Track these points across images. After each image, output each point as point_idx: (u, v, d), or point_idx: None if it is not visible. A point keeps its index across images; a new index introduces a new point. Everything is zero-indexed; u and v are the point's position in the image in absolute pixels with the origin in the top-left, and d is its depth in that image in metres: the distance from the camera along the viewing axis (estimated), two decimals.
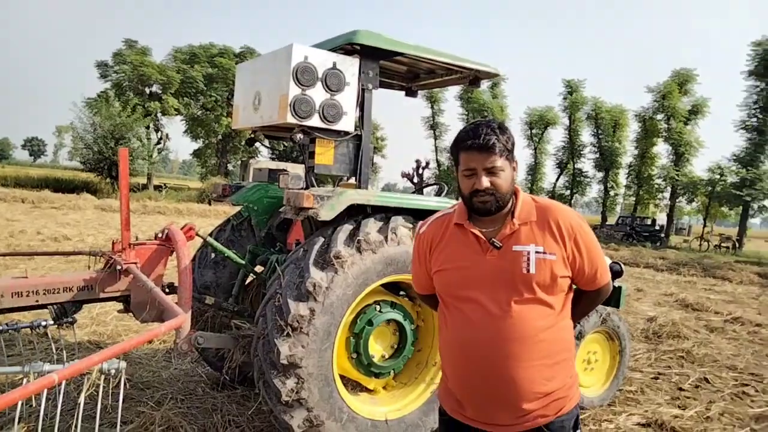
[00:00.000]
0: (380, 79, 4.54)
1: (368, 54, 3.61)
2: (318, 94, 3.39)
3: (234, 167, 46.55)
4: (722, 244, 30.90)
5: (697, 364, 6.46)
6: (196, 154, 45.06)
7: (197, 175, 52.08)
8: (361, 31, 3.46)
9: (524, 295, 1.72)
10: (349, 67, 3.49)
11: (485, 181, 1.73)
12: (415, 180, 4.90)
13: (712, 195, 31.95)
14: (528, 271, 1.73)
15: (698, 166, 40.36)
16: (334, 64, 3.42)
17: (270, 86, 3.49)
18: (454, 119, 47.71)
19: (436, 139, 45.38)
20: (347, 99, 3.52)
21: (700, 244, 31.81)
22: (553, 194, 42.00)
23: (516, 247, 1.76)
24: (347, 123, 3.55)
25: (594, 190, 41.13)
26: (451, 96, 46.11)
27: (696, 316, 9.63)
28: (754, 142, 30.01)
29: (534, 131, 41.80)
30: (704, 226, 36.01)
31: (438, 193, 4.74)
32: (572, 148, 40.22)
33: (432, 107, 44.63)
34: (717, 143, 36.07)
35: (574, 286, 1.90)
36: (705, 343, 7.48)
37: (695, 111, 34.44)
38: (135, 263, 3.27)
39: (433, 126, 45.13)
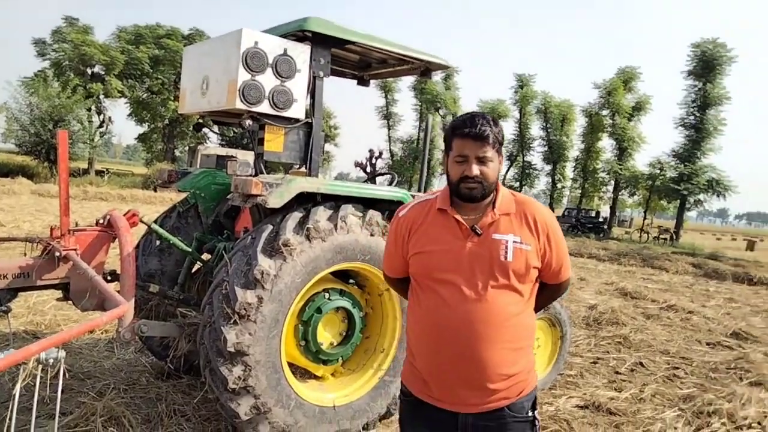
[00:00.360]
0: (332, 67, 4.53)
1: (320, 41, 3.58)
2: (268, 81, 3.34)
3: (181, 153, 45.25)
4: (660, 236, 32.34)
5: (634, 349, 6.79)
6: (142, 138, 43.47)
7: (142, 161, 50.37)
8: (312, 18, 3.43)
9: (500, 281, 1.81)
10: (300, 53, 3.47)
11: (475, 169, 1.81)
12: (369, 169, 4.92)
13: (652, 189, 33.34)
14: (506, 258, 1.81)
15: (640, 161, 41.97)
16: (285, 50, 3.39)
17: (218, 71, 3.42)
18: (407, 110, 47.92)
19: (389, 129, 45.49)
20: (298, 86, 3.49)
21: (641, 236, 33.20)
22: (502, 185, 42.79)
23: (495, 236, 1.84)
24: (298, 110, 3.52)
25: (542, 183, 42.29)
26: (404, 86, 46.27)
27: (634, 303, 10.08)
28: (691, 138, 31.43)
29: None
30: (644, 218, 37.60)
31: (390, 183, 4.77)
32: (522, 141, 41.12)
33: (386, 97, 44.69)
34: (658, 139, 37.69)
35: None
36: (641, 329, 7.86)
37: (638, 108, 35.81)
38: (75, 250, 3.17)
39: (387, 116, 45.21)
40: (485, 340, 1.78)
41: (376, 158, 4.94)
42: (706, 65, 30.42)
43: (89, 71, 37.42)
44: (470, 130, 1.80)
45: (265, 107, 3.36)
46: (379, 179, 4.97)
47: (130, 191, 26.94)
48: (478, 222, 1.87)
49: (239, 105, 3.25)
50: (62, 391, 3.85)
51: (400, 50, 3.94)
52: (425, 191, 5.13)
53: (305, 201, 3.40)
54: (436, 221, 1.91)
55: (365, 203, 3.49)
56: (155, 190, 27.01)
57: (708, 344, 7.44)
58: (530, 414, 1.91)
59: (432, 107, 42.79)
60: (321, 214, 3.24)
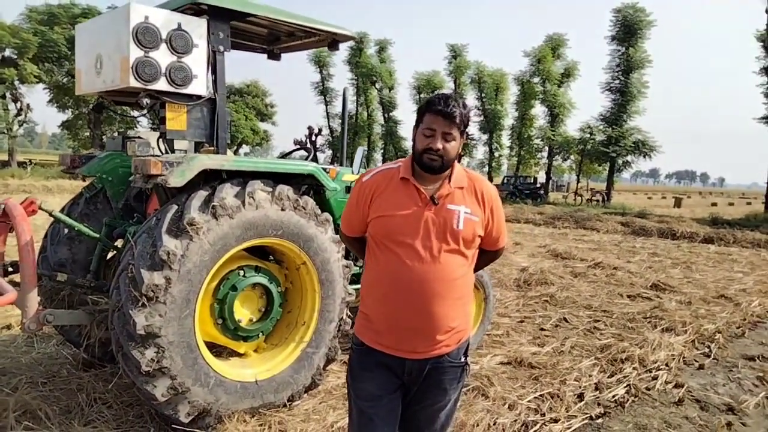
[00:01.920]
0: (239, 41, 4.45)
1: (216, 15, 3.49)
2: (163, 57, 3.25)
3: (109, 139, 43.29)
4: (593, 198, 33.73)
5: (559, 306, 7.13)
6: (66, 126, 41.25)
7: (69, 150, 47.90)
8: None
9: (451, 246, 2.05)
10: (196, 28, 3.37)
11: (439, 143, 2.01)
12: (308, 147, 4.88)
13: (583, 153, 34.52)
14: (457, 227, 2.05)
15: (571, 126, 43.32)
16: (179, 24, 3.29)
17: (110, 48, 3.29)
18: (343, 83, 47.46)
19: (327, 104, 45.01)
20: (196, 61, 3.40)
21: (575, 199, 34.51)
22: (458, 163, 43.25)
23: (450, 206, 2.07)
24: (198, 86, 3.44)
25: (480, 152, 43.02)
26: (339, 61, 45.76)
27: (564, 264, 10.53)
28: (617, 102, 32.61)
29: (422, 96, 42.62)
30: (578, 182, 39.04)
31: (306, 158, 4.75)
32: None
33: (321, 72, 44.08)
34: (586, 104, 38.94)
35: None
36: (568, 287, 8.24)
37: (567, 74, 36.76)
38: None
39: (323, 92, 44.68)
40: (438, 296, 2.02)
41: (316, 135, 4.92)
42: (628, 30, 31.45)
43: (0, 56, 34.97)
44: (443, 108, 2.00)
45: (162, 84, 3.27)
46: (296, 154, 4.94)
47: (56, 182, 25.69)
48: (436, 193, 2.08)
49: (133, 83, 3.15)
50: None
51: (304, 22, 3.90)
52: (351, 164, 5.16)
53: (214, 179, 3.36)
54: (399, 189, 2.10)
55: (274, 178, 3.48)
56: (84, 179, 25.79)
57: (629, 297, 7.89)
58: (462, 359, 2.18)
59: (368, 81, 42.56)
60: (227, 191, 3.21)
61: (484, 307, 5.23)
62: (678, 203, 38.15)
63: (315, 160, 4.90)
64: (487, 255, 2.33)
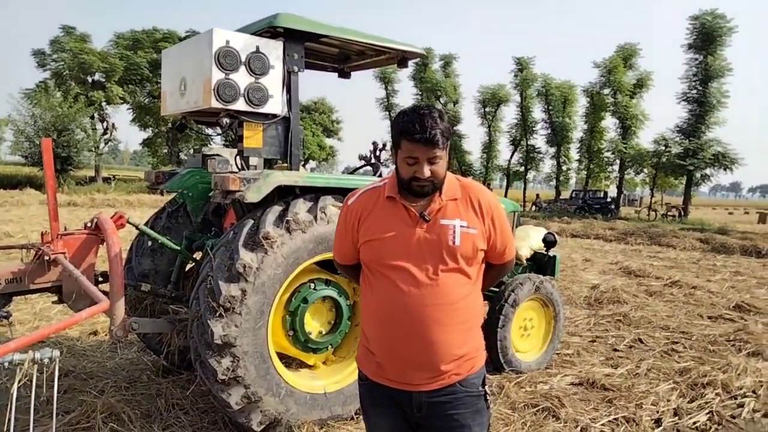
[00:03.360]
0: (312, 62, 4.60)
1: (292, 37, 3.64)
2: (242, 78, 3.42)
3: (186, 156, 45.58)
4: (668, 213, 32.19)
5: (633, 326, 6.82)
6: (146, 143, 43.85)
7: (149, 165, 50.74)
8: (282, 14, 3.49)
9: (449, 265, 1.87)
10: (273, 50, 3.53)
11: (427, 171, 1.82)
12: (373, 162, 4.97)
13: (658, 166, 33.09)
14: (454, 243, 1.87)
15: (644, 139, 41.60)
16: (257, 47, 3.45)
17: (194, 71, 3.50)
18: (408, 99, 47.84)
19: (391, 120, 45.45)
20: (272, 82, 3.56)
21: (648, 214, 33.05)
22: (508, 170, 42.76)
23: (443, 221, 1.89)
24: (274, 106, 3.59)
25: (547, 166, 42.12)
26: (404, 77, 46.18)
27: (638, 281, 10.09)
28: (695, 113, 31.15)
29: (487, 109, 42.32)
30: (651, 196, 37.42)
31: (375, 173, 4.82)
32: (525, 125, 40.94)
33: (386, 88, 44.63)
34: (661, 115, 37.32)
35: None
36: (642, 306, 7.88)
37: (640, 84, 35.48)
38: (63, 253, 3.26)
39: (388, 107, 45.16)
40: (437, 322, 1.85)
41: (380, 150, 4.98)
42: (706, 37, 30.06)
43: (90, 79, 37.70)
44: (421, 135, 1.78)
45: (240, 105, 3.44)
46: (366, 169, 5.02)
47: (137, 196, 27.21)
48: (426, 208, 1.91)
49: (215, 104, 3.33)
50: (64, 392, 4.02)
51: (375, 41, 3.99)
52: None
53: (287, 195, 3.47)
54: (386, 208, 1.94)
55: (345, 194, 3.55)
56: (162, 194, 27.24)
57: (709, 318, 7.45)
58: (480, 389, 1.98)
59: (432, 95, 42.67)
60: (300, 206, 3.32)
61: (553, 324, 5.11)
62: (763, 219, 35.68)
63: (379, 174, 4.96)
64: (495, 269, 2.11)
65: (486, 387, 2.01)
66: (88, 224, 3.51)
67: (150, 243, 4.21)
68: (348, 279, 2.32)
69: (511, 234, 2.08)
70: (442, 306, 1.85)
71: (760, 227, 28.03)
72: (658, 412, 4.17)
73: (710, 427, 3.98)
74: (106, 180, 36.74)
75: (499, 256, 2.05)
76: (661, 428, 3.92)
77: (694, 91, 31.11)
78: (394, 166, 1.95)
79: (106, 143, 40.14)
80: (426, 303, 1.85)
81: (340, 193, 3.56)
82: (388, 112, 45.22)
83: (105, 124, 38.93)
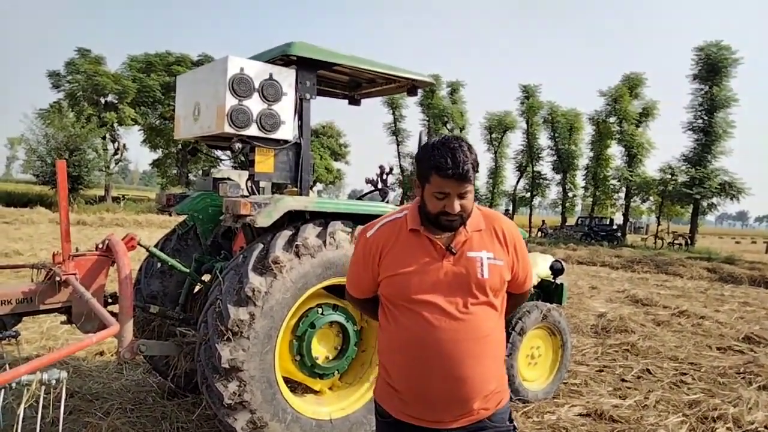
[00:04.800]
0: (323, 88, 4.68)
1: (305, 65, 3.71)
2: (255, 105, 3.48)
3: (195, 177, 45.92)
4: (675, 241, 32.02)
5: (641, 356, 6.75)
6: (156, 164, 44.29)
7: (158, 186, 51.13)
8: (296, 42, 3.57)
9: (479, 298, 1.83)
10: (286, 77, 3.60)
11: (457, 206, 1.78)
12: (380, 186, 5.00)
13: (664, 194, 33.05)
14: (482, 275, 1.83)
15: (650, 167, 41.45)
16: (271, 75, 3.52)
17: (208, 97, 3.57)
18: (415, 125, 48.25)
19: (398, 144, 45.75)
20: (285, 108, 3.62)
21: (655, 242, 32.89)
22: (514, 197, 42.82)
23: (470, 254, 1.85)
24: (285, 132, 3.64)
25: (553, 192, 42.14)
26: (411, 102, 46.64)
27: (645, 310, 10.00)
28: (701, 142, 31.19)
29: (494, 135, 42.57)
30: (658, 224, 37.26)
31: (382, 199, 4.86)
32: (531, 152, 41.13)
33: (393, 113, 45.03)
34: (667, 144, 37.38)
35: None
36: (650, 336, 7.80)
37: (645, 113, 35.64)
38: (74, 274, 3.29)
39: (395, 132, 45.52)
40: (472, 357, 1.80)
41: (387, 174, 5.01)
42: (712, 68, 30.26)
43: (102, 100, 38.30)
44: (454, 171, 1.73)
45: (253, 130, 3.49)
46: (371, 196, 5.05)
47: (145, 216, 27.37)
48: (452, 241, 1.86)
49: (228, 129, 3.38)
50: (70, 413, 4.01)
51: (386, 70, 4.06)
52: None
53: (296, 219, 3.50)
54: (409, 241, 1.88)
55: (354, 219, 3.58)
56: (171, 215, 27.39)
57: (718, 349, 7.36)
58: (509, 424, 1.94)
59: (439, 121, 43.00)
60: (310, 231, 3.34)
61: (561, 353, 5.07)
62: None
63: (386, 199, 4.99)
64: (514, 299, 2.06)
65: (513, 422, 1.97)
66: (100, 245, 3.54)
67: (159, 265, 4.23)
68: (363, 312, 2.24)
69: (530, 264, 2.06)
70: (476, 340, 1.81)
71: None
72: None
73: None
74: (116, 200, 37.04)
75: (519, 286, 2.03)
76: None
77: (700, 121, 31.20)
78: (417, 198, 1.90)
79: (116, 163, 40.58)
80: (459, 338, 1.79)
81: (350, 218, 3.59)
82: (395, 137, 45.54)
83: (116, 144, 39.42)
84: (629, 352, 6.89)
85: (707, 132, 30.75)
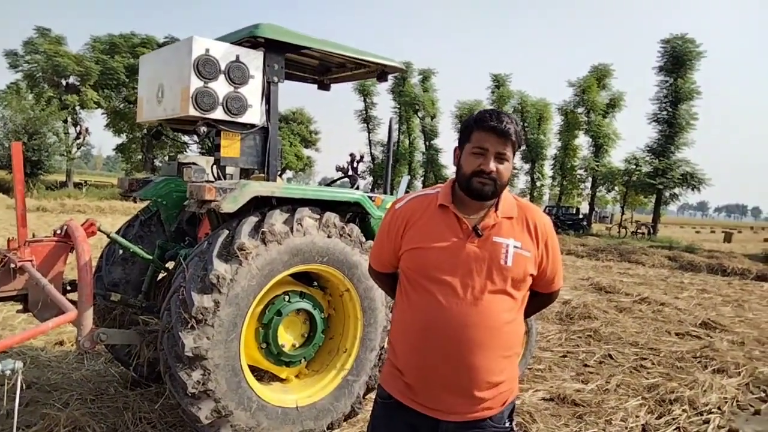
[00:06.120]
0: (292, 72, 4.60)
1: (273, 47, 3.63)
2: (221, 87, 3.39)
3: (161, 163, 44.92)
4: (638, 231, 32.83)
5: (604, 342, 6.91)
6: (120, 149, 43.10)
7: (122, 171, 49.92)
8: (263, 24, 3.48)
9: (497, 286, 1.76)
10: (253, 60, 3.52)
11: (493, 165, 1.75)
12: (350, 173, 4.96)
13: (628, 184, 33.77)
14: (506, 263, 1.77)
15: (616, 157, 42.22)
16: (237, 57, 3.44)
17: (172, 78, 3.46)
18: (386, 112, 48.13)
19: (369, 132, 45.59)
20: (252, 92, 3.54)
21: (619, 231, 33.66)
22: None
23: (496, 239, 1.79)
24: (252, 116, 3.57)
25: (522, 181, 42.63)
26: (382, 89, 46.46)
27: (608, 298, 10.23)
28: (664, 133, 31.89)
29: None
30: (622, 213, 38.12)
31: (351, 185, 4.83)
32: None
33: (365, 101, 44.80)
34: (632, 135, 38.15)
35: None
36: (612, 322, 8.00)
37: (612, 104, 36.23)
38: (30, 261, 3.18)
39: (366, 119, 45.32)
40: (478, 346, 1.74)
41: (358, 162, 4.98)
42: (676, 61, 30.88)
43: (64, 82, 36.97)
44: (496, 124, 1.74)
45: (219, 114, 3.41)
46: (343, 182, 5.02)
47: (108, 202, 26.68)
48: (480, 222, 1.81)
49: (192, 112, 3.29)
50: (26, 404, 3.90)
51: (355, 54, 4.01)
52: (392, 192, 5.21)
53: (263, 205, 3.45)
54: (436, 217, 1.84)
55: (321, 206, 3.54)
56: (135, 201, 26.78)
57: (677, 335, 7.59)
58: (508, 425, 1.89)
59: (411, 109, 42.98)
60: (276, 218, 3.29)
61: (526, 340, 5.13)
62: (728, 238, 36.67)
63: (356, 186, 4.97)
64: (540, 299, 2.01)
65: (513, 422, 1.92)
66: (58, 231, 3.43)
67: (121, 252, 4.12)
68: (381, 288, 2.21)
69: (561, 263, 1.98)
70: (486, 328, 1.74)
71: (726, 246, 28.77)
72: (627, 428, 4.22)
73: None
74: (78, 185, 35.97)
75: (547, 285, 1.96)
76: None
77: (665, 113, 31.88)
78: (453, 169, 1.88)
79: (78, 148, 39.35)
80: (468, 324, 1.73)
81: (317, 204, 3.55)
82: (366, 124, 45.35)
83: (78, 128, 38.16)
84: (592, 338, 7.05)
85: (671, 123, 31.45)
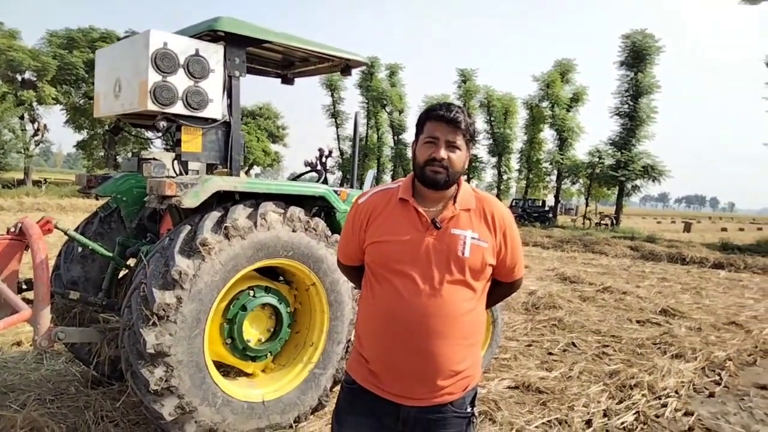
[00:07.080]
0: (254, 67, 4.56)
1: (233, 41, 3.59)
2: (180, 81, 3.34)
3: (124, 159, 43.82)
4: (602, 222, 33.58)
5: (568, 330, 7.08)
6: (81, 146, 41.88)
7: (84, 169, 48.55)
8: (223, 18, 3.44)
9: (455, 276, 1.81)
10: (213, 54, 3.47)
11: (443, 152, 1.81)
12: (319, 168, 4.94)
13: (592, 177, 34.47)
14: (463, 254, 1.81)
15: (580, 150, 43.02)
16: (197, 50, 3.39)
17: (129, 72, 3.40)
18: (354, 107, 47.99)
19: (337, 127, 45.41)
20: (213, 86, 3.49)
21: (584, 223, 34.38)
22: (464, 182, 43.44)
23: (454, 230, 1.84)
24: (214, 110, 3.53)
25: (489, 175, 43.10)
26: (350, 84, 46.30)
27: (572, 287, 10.46)
28: (626, 127, 32.63)
29: None
30: (587, 205, 38.90)
31: (318, 180, 4.82)
32: None
33: (332, 95, 44.56)
34: (595, 128, 38.96)
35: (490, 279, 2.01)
36: (576, 311, 8.19)
37: (576, 98, 36.86)
38: None
39: (335, 114, 45.11)
40: (438, 335, 1.79)
41: (326, 157, 4.97)
42: (637, 55, 31.60)
43: (19, 77, 35.67)
44: (445, 113, 1.82)
45: (179, 108, 3.36)
46: (309, 176, 5.01)
47: (69, 200, 26.00)
48: (439, 215, 1.86)
49: (151, 106, 3.24)
50: None
51: (318, 48, 3.99)
52: (361, 186, 5.22)
53: (227, 200, 3.42)
54: (397, 211, 1.89)
55: (286, 200, 3.53)
56: (97, 198, 26.07)
57: (638, 322, 7.81)
58: (469, 410, 1.93)
59: (378, 104, 42.96)
60: (240, 212, 3.26)
61: (492, 330, 5.21)
62: (687, 228, 37.86)
63: (325, 181, 4.96)
64: (502, 288, 2.06)
65: (474, 408, 1.96)
66: (12, 229, 3.33)
67: (81, 249, 4.03)
68: (350, 280, 2.26)
69: (522, 253, 2.03)
70: (445, 318, 1.79)
71: (685, 236, 29.66)
72: (588, 413, 4.34)
73: (636, 427, 4.18)
74: (37, 183, 34.87)
75: (508, 274, 2.00)
76: (591, 429, 4.08)
77: (626, 106, 32.60)
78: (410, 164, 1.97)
79: (36, 145, 38.06)
80: (428, 313, 1.78)
81: (281, 199, 3.54)
82: (334, 119, 45.15)
83: (36, 125, 36.92)
84: (557, 327, 7.20)
85: (632, 117, 32.20)
